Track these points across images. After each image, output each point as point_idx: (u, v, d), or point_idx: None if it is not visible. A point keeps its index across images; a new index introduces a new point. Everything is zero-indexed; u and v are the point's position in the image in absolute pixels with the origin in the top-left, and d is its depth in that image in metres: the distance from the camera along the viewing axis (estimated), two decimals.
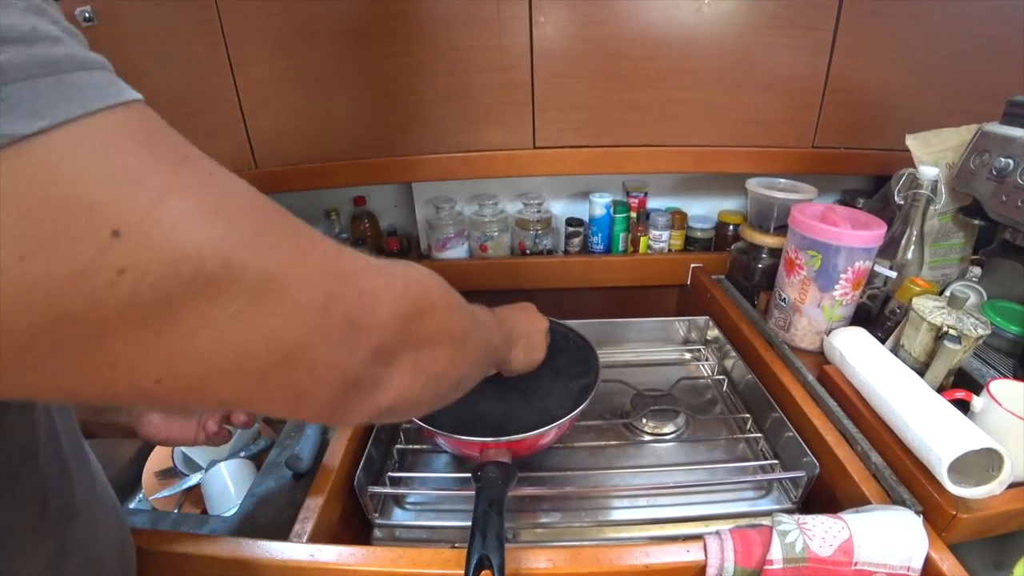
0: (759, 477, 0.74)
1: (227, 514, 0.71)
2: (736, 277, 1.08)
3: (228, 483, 0.75)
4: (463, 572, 0.48)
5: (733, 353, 0.93)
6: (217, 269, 0.22)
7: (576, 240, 1.20)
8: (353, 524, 0.70)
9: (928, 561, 0.54)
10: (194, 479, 0.78)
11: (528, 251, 1.19)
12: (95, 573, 0.42)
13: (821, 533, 0.54)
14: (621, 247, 1.19)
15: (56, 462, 0.37)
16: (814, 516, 0.56)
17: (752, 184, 0.99)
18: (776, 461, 0.75)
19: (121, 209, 0.19)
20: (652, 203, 1.22)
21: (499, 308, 0.61)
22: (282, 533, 0.60)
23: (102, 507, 0.43)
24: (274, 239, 0.25)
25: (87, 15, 0.85)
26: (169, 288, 0.20)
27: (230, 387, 0.24)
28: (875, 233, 0.75)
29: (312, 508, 0.63)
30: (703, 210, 1.24)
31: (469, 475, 0.62)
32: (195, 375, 0.23)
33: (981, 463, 0.56)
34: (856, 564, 0.53)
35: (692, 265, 1.18)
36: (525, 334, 0.64)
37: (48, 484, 0.36)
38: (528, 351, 0.64)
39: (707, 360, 1.01)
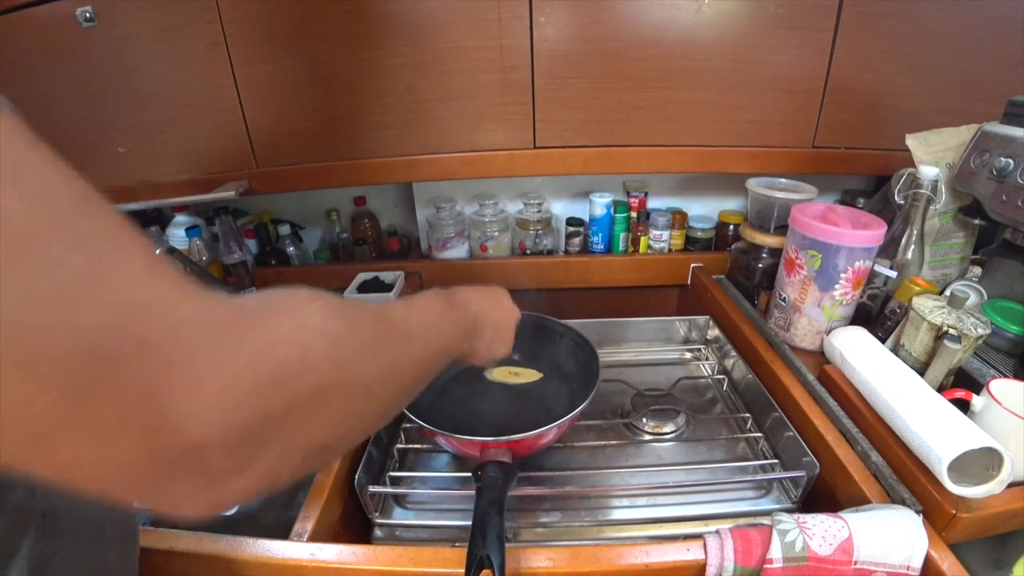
0: (759, 477, 0.74)
1: (228, 513, 0.71)
2: (736, 277, 1.08)
3: None
4: (463, 571, 0.49)
5: (733, 353, 0.93)
6: None
7: (576, 240, 1.20)
8: (354, 523, 0.70)
9: (928, 560, 0.54)
10: None
11: (528, 251, 1.19)
12: (91, 533, 0.42)
13: (821, 532, 0.54)
14: (621, 247, 1.19)
15: None
16: (814, 515, 0.56)
17: (752, 184, 0.99)
18: (776, 461, 0.76)
19: None
20: (652, 203, 1.22)
21: (462, 289, 0.53)
22: (283, 532, 0.60)
23: None
24: (57, 254, 0.20)
25: (88, 15, 0.85)
26: None
27: None
28: (875, 233, 0.75)
29: (312, 507, 0.63)
30: (703, 210, 1.24)
31: (469, 474, 0.62)
32: None
33: (981, 462, 0.56)
34: (856, 563, 0.53)
35: (692, 265, 1.18)
36: (494, 323, 0.56)
37: None
38: (493, 344, 0.57)
39: (707, 360, 1.01)
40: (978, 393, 0.61)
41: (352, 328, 0.30)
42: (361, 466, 0.68)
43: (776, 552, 0.53)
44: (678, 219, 1.18)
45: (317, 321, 0.28)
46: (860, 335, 0.77)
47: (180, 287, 0.23)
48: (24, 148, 0.21)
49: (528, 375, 0.85)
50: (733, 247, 1.10)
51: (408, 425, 0.82)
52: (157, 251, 0.85)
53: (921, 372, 0.69)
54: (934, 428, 0.58)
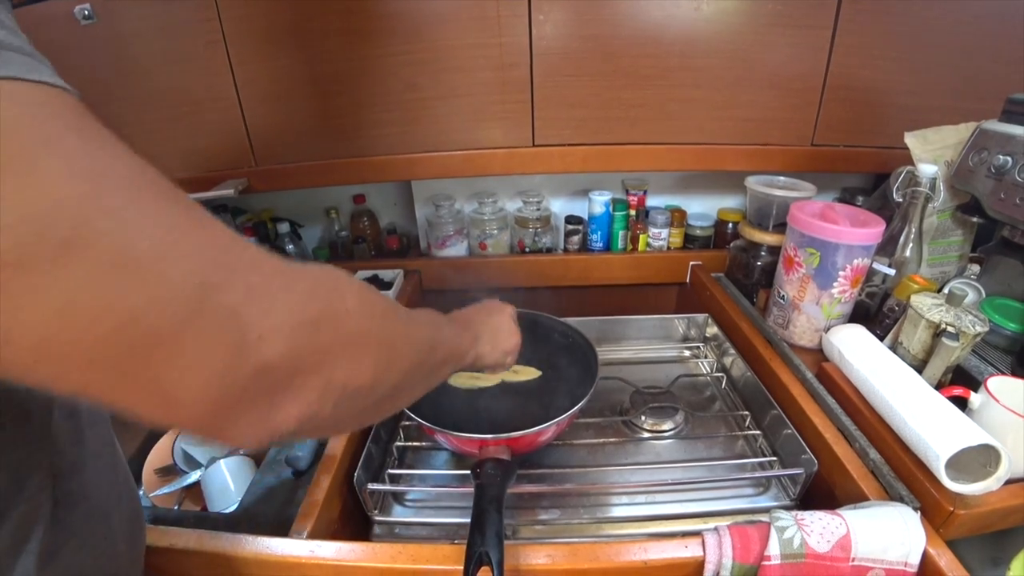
0: (758, 474, 0.74)
1: (227, 511, 0.71)
2: (735, 275, 1.08)
3: (228, 480, 0.76)
4: (462, 568, 0.49)
5: (732, 351, 0.93)
6: (71, 230, 0.20)
7: (575, 238, 1.20)
8: (353, 521, 0.70)
9: (926, 557, 0.54)
10: (194, 476, 0.78)
11: (527, 249, 1.20)
12: (100, 523, 0.42)
13: (819, 529, 0.54)
14: (620, 245, 1.19)
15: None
16: (812, 512, 0.57)
17: (751, 182, 0.99)
18: (775, 458, 0.76)
19: None
20: (651, 201, 1.22)
21: (454, 312, 0.60)
22: (282, 529, 0.60)
23: (105, 462, 0.44)
24: (151, 214, 0.23)
25: (86, 13, 0.85)
26: (16, 238, 0.19)
27: (81, 367, 0.22)
28: (874, 231, 0.76)
29: (312, 505, 0.63)
30: (702, 208, 1.24)
31: (468, 472, 0.62)
32: (41, 345, 0.21)
33: (979, 459, 0.56)
34: (854, 560, 0.53)
35: (691, 263, 1.18)
36: (489, 327, 0.61)
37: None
38: (496, 342, 0.60)
39: (706, 357, 1.01)
40: (976, 390, 0.61)
41: (377, 296, 0.36)
42: (360, 464, 0.68)
43: (774, 549, 0.53)
44: (677, 217, 1.18)
45: (351, 282, 0.33)
46: (859, 333, 0.77)
47: (263, 253, 0.28)
48: (103, 134, 0.24)
49: (527, 373, 0.85)
50: (732, 245, 1.10)
51: (407, 423, 0.83)
52: None
53: (919, 370, 0.69)
54: (932, 425, 0.58)
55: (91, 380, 0.23)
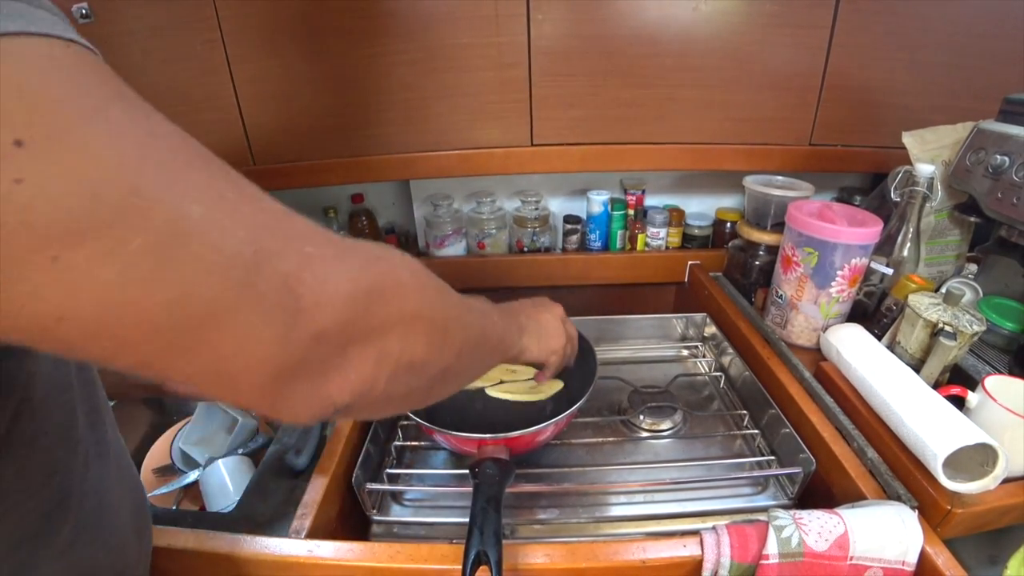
0: (756, 473, 0.74)
1: (225, 510, 0.71)
2: (733, 274, 1.08)
3: (226, 480, 0.76)
4: (461, 568, 0.49)
5: (730, 350, 0.93)
6: (124, 199, 0.20)
7: (574, 238, 1.20)
8: (351, 520, 0.70)
9: (923, 556, 0.54)
10: (192, 476, 0.78)
11: (526, 248, 1.19)
12: (111, 515, 0.42)
13: (817, 528, 0.54)
14: (619, 244, 1.19)
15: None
16: (810, 511, 0.57)
17: (749, 181, 0.99)
18: (773, 457, 0.76)
19: (29, 121, 0.19)
20: (650, 200, 1.22)
21: (503, 303, 0.57)
22: (280, 529, 0.60)
23: (113, 455, 0.44)
24: (202, 182, 0.23)
25: (84, 11, 0.85)
26: (69, 209, 0.19)
27: (140, 340, 0.22)
28: (871, 230, 0.76)
29: (310, 504, 0.63)
30: (700, 207, 1.24)
31: (467, 472, 0.62)
32: (98, 318, 0.20)
33: (976, 458, 0.56)
34: (852, 559, 0.54)
35: (689, 262, 1.18)
36: (536, 320, 0.60)
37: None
38: (542, 338, 0.59)
39: (704, 357, 1.01)
40: (973, 389, 0.61)
41: (430, 276, 0.35)
42: (359, 463, 0.68)
43: (772, 548, 0.53)
44: (675, 216, 1.18)
45: (407, 262, 0.33)
46: (856, 332, 0.77)
47: (316, 226, 0.28)
48: (144, 103, 0.25)
49: (526, 372, 0.85)
50: (730, 244, 1.10)
51: (406, 422, 0.82)
52: None
53: (917, 369, 0.69)
54: (929, 424, 0.58)
55: (149, 354, 0.22)
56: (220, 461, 0.77)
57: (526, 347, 0.57)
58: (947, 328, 0.66)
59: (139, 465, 0.82)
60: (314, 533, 0.60)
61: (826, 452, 0.67)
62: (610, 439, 0.81)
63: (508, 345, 0.53)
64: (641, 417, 0.83)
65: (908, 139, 0.83)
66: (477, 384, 0.83)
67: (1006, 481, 0.55)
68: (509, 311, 0.57)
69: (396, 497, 0.73)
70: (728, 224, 1.17)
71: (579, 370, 0.79)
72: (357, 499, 0.69)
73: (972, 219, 0.83)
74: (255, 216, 0.25)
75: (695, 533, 0.57)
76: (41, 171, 0.19)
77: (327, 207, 1.24)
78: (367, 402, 0.30)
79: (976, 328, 0.66)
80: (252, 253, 0.23)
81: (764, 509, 0.65)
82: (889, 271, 0.81)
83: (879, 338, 0.77)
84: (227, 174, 0.25)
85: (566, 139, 0.99)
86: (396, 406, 0.35)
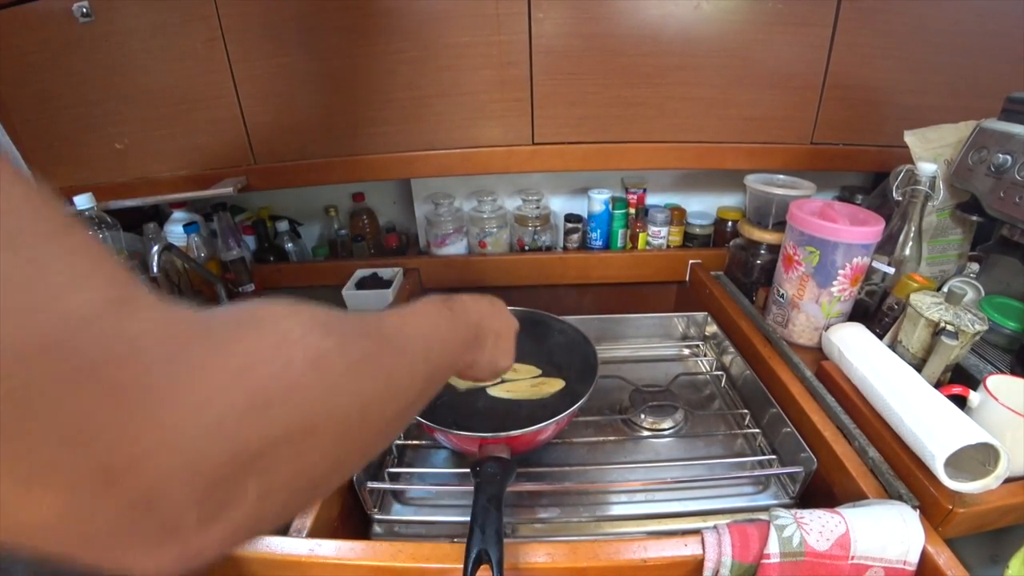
0: (757, 472, 0.74)
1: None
2: (735, 273, 1.08)
3: None
4: (462, 567, 0.49)
5: (731, 349, 0.93)
6: None
7: (575, 236, 1.20)
8: (352, 519, 0.70)
9: (924, 555, 0.54)
10: None
11: (527, 247, 1.19)
12: None
13: (818, 527, 0.54)
14: (620, 243, 1.19)
15: None
16: (811, 511, 0.57)
17: (751, 180, 0.99)
18: (774, 456, 0.76)
19: None
20: (651, 199, 1.22)
21: (460, 298, 0.49)
22: (282, 528, 0.60)
23: None
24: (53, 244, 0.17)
25: (84, 11, 0.85)
26: None
27: None
28: (873, 229, 0.76)
29: (311, 503, 0.63)
30: (702, 206, 1.24)
31: (468, 470, 0.62)
32: None
33: (978, 458, 0.56)
34: (853, 558, 0.54)
35: (691, 261, 1.18)
36: (495, 332, 0.52)
37: None
38: (495, 355, 0.52)
39: (705, 356, 1.01)
40: (975, 389, 0.61)
41: (340, 343, 0.26)
42: None
43: (773, 547, 0.53)
44: (676, 215, 1.18)
45: (299, 336, 0.24)
46: (858, 331, 0.77)
47: (134, 296, 0.19)
48: None
49: (527, 371, 0.85)
50: (731, 243, 1.10)
51: None
52: (155, 248, 0.84)
53: (918, 368, 0.69)
54: (931, 424, 0.58)
55: None
56: None
57: (476, 363, 0.50)
58: (949, 327, 0.66)
59: None
60: (315, 532, 0.60)
61: (827, 451, 0.67)
62: (611, 438, 0.81)
63: (454, 361, 0.45)
64: (642, 416, 0.83)
65: (910, 138, 0.83)
66: (480, 383, 0.82)
67: (1008, 481, 0.55)
68: (468, 314, 0.48)
69: (397, 496, 0.73)
70: (729, 223, 1.17)
71: (580, 369, 0.79)
72: (358, 498, 0.69)
73: (974, 218, 0.83)
74: (56, 298, 0.17)
75: (696, 532, 0.57)
76: None
77: (328, 206, 1.24)
78: (257, 536, 0.24)
79: (978, 327, 0.65)
80: (36, 368, 0.16)
81: (765, 508, 0.65)
82: (891, 270, 0.81)
83: (881, 337, 0.77)
84: (28, 228, 0.18)
85: (567, 138, 0.99)
86: (302, 510, 0.28)
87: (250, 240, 1.22)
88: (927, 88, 0.95)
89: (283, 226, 1.23)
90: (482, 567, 0.49)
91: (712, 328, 1.02)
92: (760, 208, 0.99)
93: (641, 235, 1.17)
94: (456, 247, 1.19)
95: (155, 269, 0.84)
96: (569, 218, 1.19)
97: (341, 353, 0.26)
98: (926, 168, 0.76)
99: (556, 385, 0.82)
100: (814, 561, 0.53)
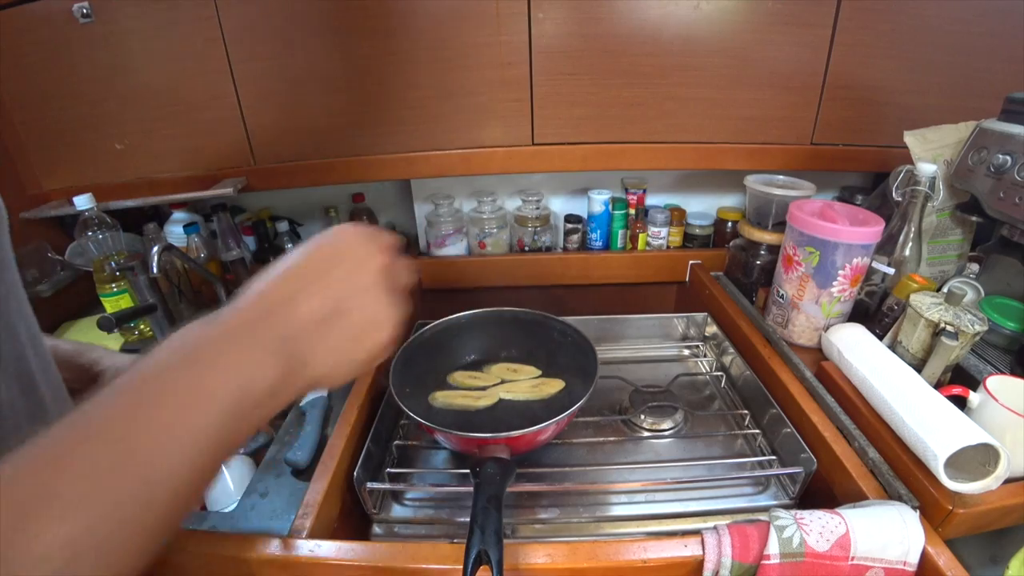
0: (757, 473, 0.74)
1: (226, 510, 0.71)
2: (735, 274, 1.08)
3: (227, 480, 0.76)
4: (462, 567, 0.49)
5: (731, 349, 0.93)
6: None
7: (575, 237, 1.20)
8: (352, 520, 0.70)
9: (924, 556, 0.54)
10: None
11: (527, 248, 1.19)
12: None
13: (818, 528, 0.54)
14: (620, 244, 1.19)
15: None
16: (811, 511, 0.57)
17: (751, 181, 0.99)
18: (774, 457, 0.76)
19: None
20: (651, 200, 1.22)
21: (243, 295, 0.33)
22: (281, 529, 0.60)
23: None
24: None
25: (84, 11, 0.85)
26: None
27: None
28: (873, 230, 0.76)
29: (311, 504, 0.63)
30: (702, 207, 1.24)
31: (468, 471, 0.62)
32: None
33: (978, 459, 0.56)
34: (853, 559, 0.54)
35: (691, 262, 1.18)
36: (322, 316, 0.33)
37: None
38: (342, 346, 0.34)
39: (705, 356, 1.01)
40: (975, 390, 0.61)
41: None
42: (360, 463, 0.68)
43: (773, 548, 0.53)
44: (676, 216, 1.18)
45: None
46: (858, 332, 0.77)
47: None
48: None
49: (527, 371, 0.85)
50: (731, 244, 1.10)
51: (406, 422, 0.83)
52: (155, 249, 0.84)
53: (918, 369, 0.69)
54: (931, 424, 0.58)
55: None
56: None
57: (315, 379, 0.33)
58: (949, 328, 0.66)
59: None
60: (315, 533, 0.60)
61: (827, 452, 0.67)
62: (611, 439, 0.81)
63: (268, 410, 0.31)
64: (642, 416, 0.83)
65: (910, 138, 0.83)
66: (480, 403, 0.82)
67: (1008, 481, 0.55)
68: (248, 337, 0.31)
69: (397, 496, 0.73)
70: (729, 223, 1.17)
71: (580, 370, 0.79)
72: (358, 498, 0.69)
73: (974, 218, 0.83)
74: None
75: (696, 533, 0.57)
76: None
77: (328, 206, 1.24)
78: None
79: (978, 328, 0.65)
80: None
81: (765, 509, 0.65)
82: (890, 271, 0.81)
83: (880, 338, 0.77)
84: None
85: (567, 138, 0.99)
86: None
87: (250, 241, 1.22)
88: (927, 88, 0.95)
89: (283, 227, 1.23)
90: (482, 568, 0.49)
91: (712, 328, 1.02)
92: (760, 208, 0.99)
93: (641, 236, 1.17)
94: (456, 247, 1.19)
95: (155, 269, 0.84)
96: (569, 219, 1.19)
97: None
98: (926, 168, 0.76)
99: (556, 385, 0.82)
100: (814, 562, 0.53)
